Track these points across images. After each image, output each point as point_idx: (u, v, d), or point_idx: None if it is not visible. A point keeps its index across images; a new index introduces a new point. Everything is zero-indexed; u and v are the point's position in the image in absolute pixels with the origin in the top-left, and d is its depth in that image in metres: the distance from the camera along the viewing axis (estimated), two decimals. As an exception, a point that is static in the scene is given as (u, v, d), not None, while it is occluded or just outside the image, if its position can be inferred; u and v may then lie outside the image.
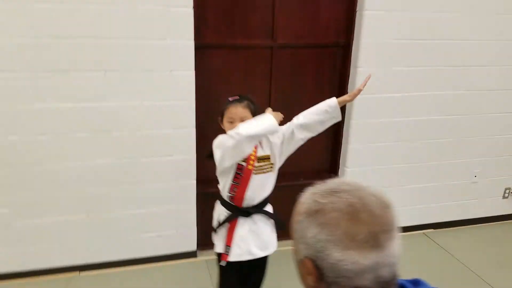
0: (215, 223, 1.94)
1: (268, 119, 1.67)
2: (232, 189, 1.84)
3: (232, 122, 1.75)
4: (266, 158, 1.83)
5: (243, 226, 1.83)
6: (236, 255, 1.83)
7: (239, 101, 1.79)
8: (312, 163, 3.21)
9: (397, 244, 0.65)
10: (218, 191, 2.03)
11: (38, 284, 2.65)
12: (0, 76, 2.30)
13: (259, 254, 1.85)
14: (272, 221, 1.90)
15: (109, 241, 2.78)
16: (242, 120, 1.74)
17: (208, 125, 2.85)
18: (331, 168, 3.27)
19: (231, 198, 1.87)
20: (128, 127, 2.58)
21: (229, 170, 1.81)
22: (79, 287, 2.65)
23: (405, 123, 3.10)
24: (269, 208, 1.93)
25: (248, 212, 1.81)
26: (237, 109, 1.76)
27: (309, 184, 0.75)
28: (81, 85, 2.42)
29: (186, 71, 2.57)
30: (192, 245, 2.98)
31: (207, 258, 3.02)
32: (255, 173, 1.81)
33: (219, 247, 1.88)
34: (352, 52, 2.91)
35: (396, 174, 3.23)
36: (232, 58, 2.81)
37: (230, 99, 1.83)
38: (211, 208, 2.93)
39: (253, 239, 1.83)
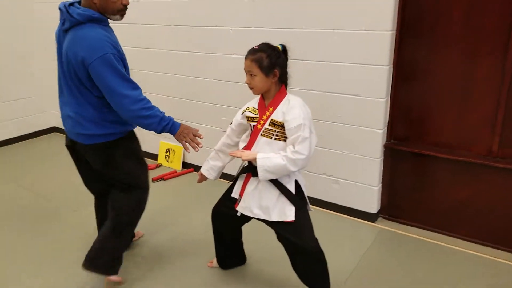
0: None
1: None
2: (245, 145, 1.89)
3: (246, 74, 1.78)
4: (279, 125, 1.74)
5: (252, 183, 1.85)
6: (241, 207, 1.89)
7: (252, 52, 1.74)
8: None
9: None
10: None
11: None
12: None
13: (260, 215, 1.83)
14: (284, 191, 1.80)
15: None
16: (249, 73, 1.74)
17: (405, 95, 2.51)
18: None
19: None
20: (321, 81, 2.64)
21: (247, 127, 1.88)
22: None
23: None
24: (288, 181, 1.80)
25: (255, 171, 1.76)
26: (246, 62, 1.75)
27: None
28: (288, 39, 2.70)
29: (383, 32, 2.35)
30: (370, 207, 2.66)
31: (387, 228, 2.61)
32: (263, 135, 1.79)
33: (235, 193, 1.94)
34: None
35: None
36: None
37: (253, 47, 1.78)
38: (403, 170, 2.54)
39: (256, 199, 1.84)
